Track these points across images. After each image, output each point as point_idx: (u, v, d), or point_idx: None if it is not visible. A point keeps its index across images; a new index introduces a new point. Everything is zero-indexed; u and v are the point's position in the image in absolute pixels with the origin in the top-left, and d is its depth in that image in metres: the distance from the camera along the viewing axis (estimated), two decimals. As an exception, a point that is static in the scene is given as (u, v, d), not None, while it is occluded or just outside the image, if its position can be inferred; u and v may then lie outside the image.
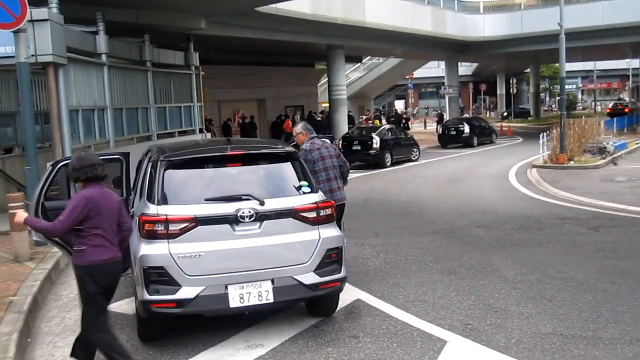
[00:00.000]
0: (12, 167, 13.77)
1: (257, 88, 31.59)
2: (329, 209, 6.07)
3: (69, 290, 6.56)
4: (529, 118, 53.61)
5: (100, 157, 5.33)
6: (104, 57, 14.22)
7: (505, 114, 56.30)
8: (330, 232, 6.02)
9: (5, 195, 10.78)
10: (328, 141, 7.89)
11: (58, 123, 11.45)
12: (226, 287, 5.58)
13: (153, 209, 5.63)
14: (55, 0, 11.32)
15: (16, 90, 14.15)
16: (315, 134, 8.02)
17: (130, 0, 15.72)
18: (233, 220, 5.60)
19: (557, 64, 38.95)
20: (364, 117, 41.67)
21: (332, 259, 5.98)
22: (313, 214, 5.91)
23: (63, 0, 11.50)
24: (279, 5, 21.37)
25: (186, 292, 5.51)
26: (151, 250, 5.53)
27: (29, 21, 9.71)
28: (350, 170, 8.95)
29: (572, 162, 20.24)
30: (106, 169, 5.13)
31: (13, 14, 9.21)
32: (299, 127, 8.05)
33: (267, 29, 23.43)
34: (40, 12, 10.64)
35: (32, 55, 10.29)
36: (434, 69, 60.00)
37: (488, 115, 60.32)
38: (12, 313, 6.64)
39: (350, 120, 33.97)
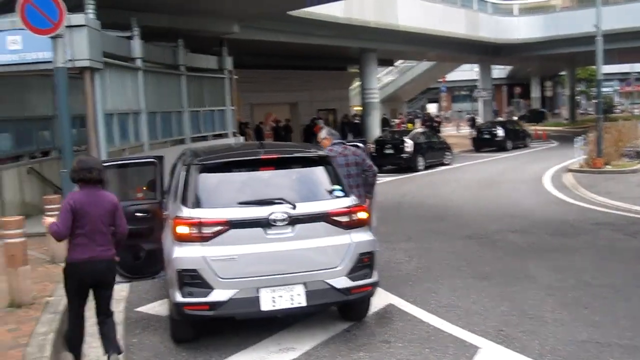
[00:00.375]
0: (49, 169, 14.03)
1: (290, 91, 31.66)
2: (362, 213, 6.06)
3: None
4: (565, 121, 52.83)
5: (135, 160, 5.49)
6: (138, 62, 14.41)
7: (521, 114, 55.20)
8: (362, 236, 6.01)
9: (42, 197, 11.00)
10: (352, 148, 7.78)
11: (94, 127, 11.64)
12: (258, 291, 5.61)
13: (187, 212, 5.69)
14: (92, 6, 11.51)
15: (53, 94, 14.45)
16: (339, 140, 7.92)
17: (165, 5, 15.89)
18: (265, 223, 5.63)
19: (593, 67, 38.34)
20: (397, 120, 41.52)
21: (364, 263, 5.96)
22: (345, 218, 5.91)
23: (99, 6, 11.69)
24: (312, 10, 21.42)
25: (219, 295, 5.54)
26: (185, 253, 5.59)
27: (66, 27, 9.87)
28: (383, 174, 8.92)
29: (608, 167, 19.90)
30: (104, 173, 5.37)
31: (51, 20, 9.37)
32: (323, 132, 8.02)
33: (300, 32, 23.50)
34: (77, 18, 10.84)
35: (69, 60, 10.48)
36: (467, 71, 59.47)
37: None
38: (48, 313, 6.76)
39: (386, 123, 33.81)
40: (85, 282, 5.23)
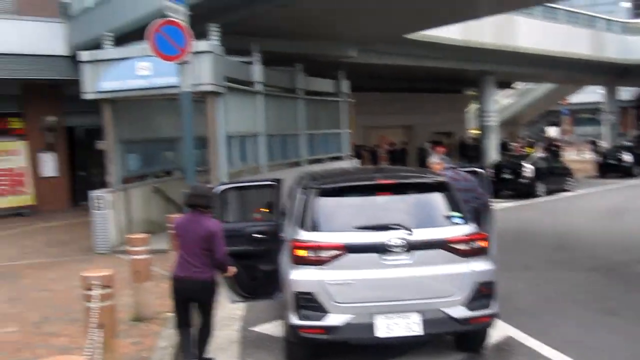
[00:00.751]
0: (172, 189, 14.65)
1: (405, 114, 31.54)
2: (482, 242, 5.88)
3: (221, 310, 6.83)
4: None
5: (255, 183, 5.80)
6: (258, 86, 14.81)
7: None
8: (482, 265, 5.83)
9: (165, 216, 11.48)
10: (463, 173, 7.56)
11: (215, 148, 12.04)
12: (374, 317, 5.55)
13: (304, 235, 5.73)
14: (216, 33, 11.97)
15: (177, 117, 15.12)
16: (451, 165, 7.76)
17: (285, 31, 16.30)
18: (382, 249, 5.57)
19: None
20: (515, 144, 40.35)
21: (483, 293, 5.77)
22: (464, 246, 5.75)
23: (223, 33, 12.14)
24: (429, 32, 21.28)
25: (334, 319, 5.53)
26: (301, 276, 5.63)
27: (192, 53, 10.33)
28: (501, 200, 8.63)
29: None
30: (212, 201, 5.97)
31: (178, 47, 9.83)
32: (434, 157, 7.90)
33: (417, 55, 23.40)
34: (202, 45, 11.30)
35: (194, 85, 10.93)
36: (590, 94, 57.00)
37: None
38: (168, 329, 7.00)
39: (505, 147, 32.92)
40: (182, 296, 5.80)
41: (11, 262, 11.82)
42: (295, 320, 5.63)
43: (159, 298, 8.05)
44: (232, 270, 6.04)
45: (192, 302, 5.83)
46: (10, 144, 19.38)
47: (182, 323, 5.89)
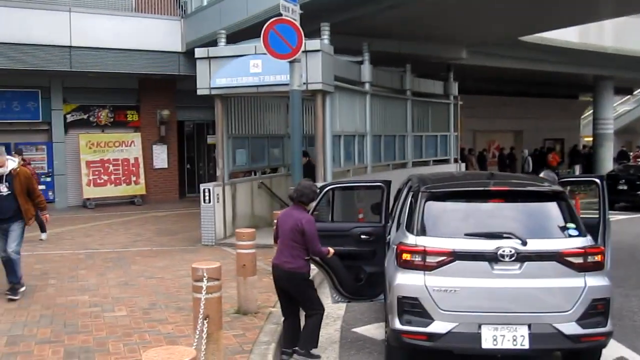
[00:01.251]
0: (278, 185, 14.89)
1: (515, 119, 30.64)
2: (598, 256, 5.57)
3: (327, 306, 6.84)
4: None
5: (364, 184, 6.00)
6: (367, 86, 14.77)
7: None
8: (597, 280, 5.51)
9: (271, 212, 11.66)
10: None
11: (322, 147, 12.10)
12: (479, 327, 5.36)
13: (412, 239, 5.62)
14: (326, 32, 12.03)
15: (286, 114, 15.34)
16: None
17: (395, 31, 16.19)
18: (492, 258, 5.38)
19: None
20: (633, 153, 38.34)
21: (597, 310, 5.45)
22: (579, 260, 5.46)
23: (333, 32, 12.18)
24: (544, 35, 20.55)
25: (438, 327, 5.39)
26: (407, 280, 5.52)
27: (303, 52, 10.42)
28: (615, 212, 8.19)
29: None
30: (313, 197, 6.19)
31: (290, 45, 9.96)
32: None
33: (530, 58, 22.64)
34: (313, 44, 11.38)
35: (304, 83, 11.02)
36: None
37: None
38: (270, 324, 7.08)
39: (623, 156, 31.37)
40: (276, 283, 6.17)
41: (123, 249, 12.35)
42: (398, 324, 5.53)
43: (263, 292, 8.18)
44: (331, 251, 6.27)
45: (286, 291, 6.11)
46: (127, 135, 20.31)
47: (285, 313, 6.24)
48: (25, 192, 8.43)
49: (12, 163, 8.46)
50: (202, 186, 12.82)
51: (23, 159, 12.38)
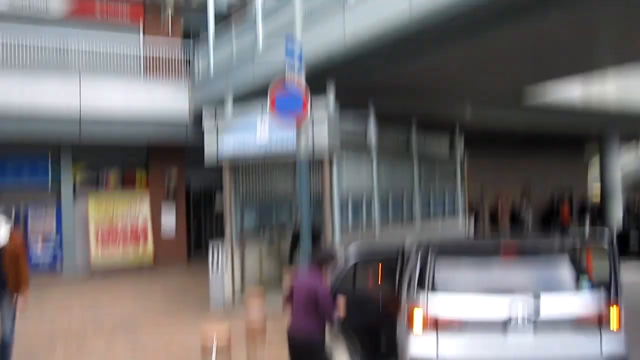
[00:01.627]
0: (286, 247, 14.88)
1: (522, 172, 30.61)
2: (614, 314, 5.53)
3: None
4: None
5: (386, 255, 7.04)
6: (373, 147, 14.84)
7: None
8: (614, 340, 5.46)
9: (278, 273, 11.67)
10: None
11: (330, 209, 12.17)
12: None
13: (423, 301, 5.61)
14: (332, 101, 12.24)
15: (294, 176, 15.43)
16: None
17: (401, 90, 16.26)
18: (506, 320, 5.37)
19: None
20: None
21: None
22: (595, 320, 5.43)
23: (336, 90, 12.32)
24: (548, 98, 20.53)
25: None
26: (419, 343, 5.51)
27: (309, 120, 10.56)
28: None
29: None
30: (330, 262, 6.08)
31: (296, 114, 10.04)
32: None
33: (534, 120, 22.77)
34: (319, 109, 11.59)
35: (311, 150, 11.14)
36: None
37: None
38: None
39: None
40: (290, 345, 6.02)
41: (132, 314, 12.32)
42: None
43: (272, 357, 8.09)
44: (340, 308, 6.05)
45: (300, 353, 5.95)
46: (135, 198, 20.36)
47: None
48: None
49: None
50: (209, 251, 12.92)
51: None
